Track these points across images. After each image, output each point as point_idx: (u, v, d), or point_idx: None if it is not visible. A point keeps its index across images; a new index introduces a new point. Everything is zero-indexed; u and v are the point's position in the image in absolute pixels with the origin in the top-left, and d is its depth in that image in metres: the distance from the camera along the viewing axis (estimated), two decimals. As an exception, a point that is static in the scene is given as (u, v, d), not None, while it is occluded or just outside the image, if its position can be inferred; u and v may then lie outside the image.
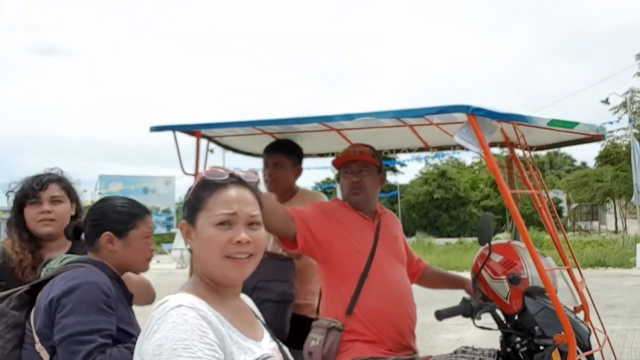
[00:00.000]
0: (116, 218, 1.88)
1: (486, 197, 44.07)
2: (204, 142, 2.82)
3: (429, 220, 44.27)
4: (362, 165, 2.39)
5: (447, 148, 2.98)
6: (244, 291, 2.54)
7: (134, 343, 1.55)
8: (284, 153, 2.83)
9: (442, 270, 2.84)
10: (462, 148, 2.20)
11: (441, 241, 29.27)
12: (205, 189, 1.26)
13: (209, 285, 1.25)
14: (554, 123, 2.00)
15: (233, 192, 1.26)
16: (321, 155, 3.23)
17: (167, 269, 20.39)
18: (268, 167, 2.84)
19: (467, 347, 2.21)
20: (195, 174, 2.93)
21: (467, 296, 2.22)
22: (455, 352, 2.20)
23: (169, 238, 35.61)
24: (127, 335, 1.72)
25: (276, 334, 2.58)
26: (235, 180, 1.29)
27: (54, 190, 2.23)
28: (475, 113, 1.86)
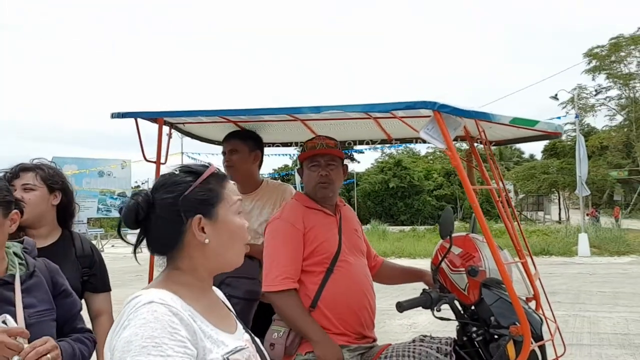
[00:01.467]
0: None
1: (439, 186, 45.10)
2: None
3: (383, 208, 44.95)
4: (330, 158, 2.40)
5: (410, 140, 3.03)
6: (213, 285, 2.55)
7: None
8: (239, 139, 2.83)
9: (399, 265, 2.87)
10: (423, 141, 2.25)
11: (395, 229, 29.83)
12: (218, 181, 1.25)
13: (188, 280, 1.22)
14: (516, 121, 2.07)
15: (232, 182, 1.31)
16: (285, 144, 3.23)
17: (122, 253, 19.95)
18: (225, 154, 2.83)
19: (425, 336, 2.28)
20: (157, 161, 2.88)
21: (427, 288, 2.28)
22: (414, 340, 2.26)
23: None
24: None
25: None
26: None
27: (27, 178, 2.19)
28: (440, 110, 1.90)
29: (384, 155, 46.55)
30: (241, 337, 1.28)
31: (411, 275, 2.74)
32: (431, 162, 51.12)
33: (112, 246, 27.16)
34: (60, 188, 2.29)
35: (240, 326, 1.33)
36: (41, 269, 1.77)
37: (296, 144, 3.15)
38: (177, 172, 1.24)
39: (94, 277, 2.31)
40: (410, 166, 45.20)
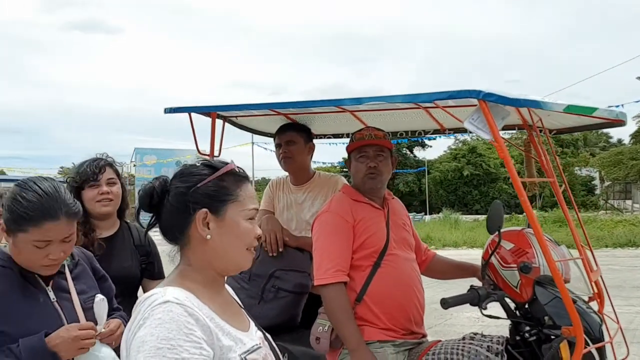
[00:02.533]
0: (7, 212, 1.63)
1: (517, 173, 43.24)
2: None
3: (457, 197, 43.86)
4: (379, 149, 2.35)
5: (464, 130, 2.91)
6: (262, 277, 2.57)
7: (13, 344, 1.51)
8: (294, 131, 2.84)
9: (451, 259, 2.77)
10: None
11: (469, 218, 28.99)
12: (234, 180, 1.24)
13: (202, 277, 1.22)
14: (571, 109, 1.93)
15: (252, 187, 1.27)
16: (335, 136, 3.21)
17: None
18: (281, 146, 2.84)
19: (475, 334, 2.20)
20: (211, 154, 2.95)
21: (476, 284, 2.19)
22: (464, 338, 2.19)
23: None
24: (5, 337, 1.54)
25: (289, 323, 2.60)
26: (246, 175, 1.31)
27: (110, 173, 2.38)
28: (486, 99, 1.81)
29: (457, 142, 45.28)
30: (254, 335, 1.28)
31: (463, 270, 2.65)
32: (509, 148, 49.06)
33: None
34: (121, 182, 2.46)
35: (252, 324, 1.33)
36: (82, 257, 1.87)
37: (347, 135, 3.12)
38: (197, 165, 1.25)
39: (150, 265, 2.46)
40: (485, 153, 43.65)
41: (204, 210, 1.20)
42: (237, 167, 1.27)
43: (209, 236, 1.20)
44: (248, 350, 1.18)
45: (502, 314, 2.22)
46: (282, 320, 2.57)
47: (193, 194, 1.20)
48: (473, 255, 7.67)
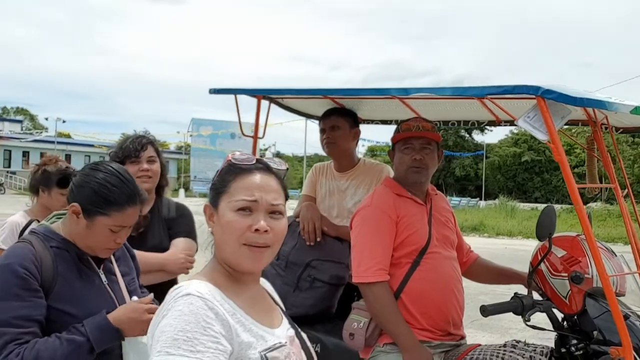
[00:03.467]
0: (91, 195, 1.61)
1: (582, 162, 41.36)
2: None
3: (515, 184, 42.53)
4: (425, 142, 2.23)
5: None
6: (298, 265, 2.53)
7: (78, 324, 1.52)
8: (339, 116, 2.76)
9: (494, 264, 2.60)
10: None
11: (527, 206, 28.03)
12: (230, 172, 1.22)
13: (227, 271, 1.21)
14: (639, 110, 1.75)
15: (257, 178, 1.21)
16: (383, 122, 3.09)
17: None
18: (325, 131, 2.77)
19: (518, 342, 2.08)
20: (255, 135, 2.93)
21: (520, 292, 2.06)
22: (505, 345, 2.08)
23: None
24: (65, 315, 1.55)
25: (323, 314, 2.55)
26: (262, 166, 1.24)
27: (151, 151, 2.43)
28: (545, 96, 1.66)
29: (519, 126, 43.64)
30: (284, 332, 1.25)
31: (506, 277, 2.48)
32: (574, 135, 46.94)
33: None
34: (161, 160, 2.49)
35: (285, 320, 1.31)
36: None
37: (395, 121, 3.00)
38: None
39: (175, 234, 2.46)
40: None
41: (207, 204, 1.24)
42: (238, 159, 1.24)
43: (210, 229, 1.23)
44: (269, 348, 1.16)
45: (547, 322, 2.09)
46: (317, 310, 2.54)
47: (210, 189, 1.26)
48: (527, 247, 7.37)
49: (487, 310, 1.94)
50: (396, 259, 2.20)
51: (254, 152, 2.93)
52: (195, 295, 1.10)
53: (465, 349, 2.17)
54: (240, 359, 1.11)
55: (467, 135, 45.39)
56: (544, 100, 1.67)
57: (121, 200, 1.61)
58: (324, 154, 2.90)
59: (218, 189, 1.23)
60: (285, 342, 1.22)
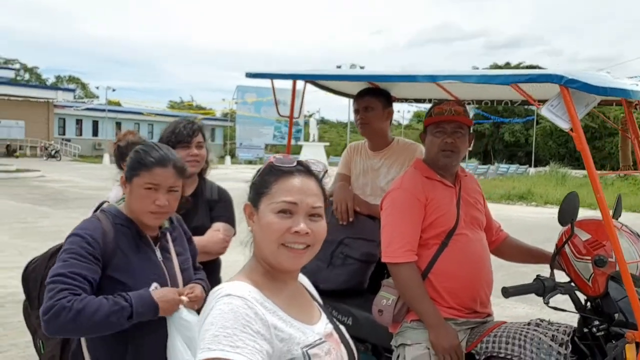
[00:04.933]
0: (129, 161, 1.86)
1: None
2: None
3: (567, 150, 41.11)
4: (457, 126, 2.27)
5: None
6: (331, 242, 2.64)
7: (125, 292, 1.70)
8: (373, 96, 2.80)
9: (524, 243, 2.65)
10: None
11: (578, 173, 27.11)
12: (271, 174, 1.25)
13: (266, 270, 1.25)
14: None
15: (297, 181, 1.23)
16: (417, 100, 3.12)
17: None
18: (359, 112, 2.83)
19: (542, 320, 2.14)
20: (290, 116, 3.03)
21: (543, 274, 2.11)
22: (529, 323, 2.15)
23: (298, 149, 37.27)
24: (119, 284, 1.74)
25: (356, 288, 2.65)
26: (302, 169, 1.26)
27: (200, 137, 2.57)
28: (568, 85, 1.68)
29: (573, 90, 41.82)
30: (322, 328, 1.28)
31: (535, 257, 2.53)
32: (602, 127, 44.72)
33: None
34: (206, 146, 2.64)
35: (324, 316, 1.33)
36: (178, 222, 2.05)
37: (429, 100, 3.03)
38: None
39: (216, 217, 2.60)
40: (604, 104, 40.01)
41: (248, 203, 1.27)
42: (279, 161, 1.26)
43: (250, 228, 1.27)
44: (310, 345, 1.19)
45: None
46: (349, 286, 2.65)
47: (250, 188, 1.29)
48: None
49: (508, 292, 2.01)
50: (424, 240, 2.28)
51: (289, 133, 3.04)
52: (235, 295, 1.15)
53: (491, 326, 2.25)
54: (284, 354, 1.14)
55: (517, 100, 43.92)
56: (567, 89, 1.69)
57: (148, 162, 1.81)
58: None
59: (259, 190, 1.25)
60: (324, 339, 1.25)
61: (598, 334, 2.00)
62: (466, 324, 2.28)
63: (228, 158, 40.09)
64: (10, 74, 45.43)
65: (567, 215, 1.98)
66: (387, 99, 2.84)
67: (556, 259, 2.11)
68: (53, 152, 35.81)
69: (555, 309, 2.06)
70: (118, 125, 46.45)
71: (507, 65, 54.82)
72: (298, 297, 1.30)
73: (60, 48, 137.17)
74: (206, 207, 2.59)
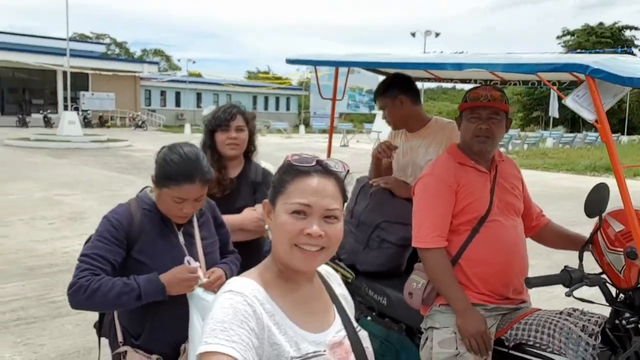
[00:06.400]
0: (158, 169, 1.95)
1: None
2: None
3: (665, 116, 37.76)
4: (493, 112, 2.23)
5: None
6: (368, 225, 2.69)
7: (144, 273, 1.85)
8: (381, 95, 2.86)
9: (566, 230, 2.57)
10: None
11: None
12: (288, 173, 1.23)
13: (279, 269, 1.24)
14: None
15: (314, 182, 1.20)
16: (463, 81, 3.06)
17: (364, 149, 21.17)
18: (382, 110, 2.90)
19: (575, 310, 2.12)
20: (333, 98, 3.09)
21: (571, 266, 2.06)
22: (561, 312, 2.13)
23: (371, 118, 36.98)
24: (143, 264, 1.90)
25: (393, 270, 2.69)
26: (321, 169, 1.22)
27: (239, 120, 2.67)
28: (593, 75, 1.62)
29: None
30: (330, 337, 1.24)
31: (577, 244, 2.45)
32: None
33: (357, 141, 29.02)
34: (250, 128, 2.74)
35: (338, 321, 1.29)
36: (207, 208, 2.17)
37: (474, 81, 2.95)
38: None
39: (259, 199, 2.68)
40: None
41: (266, 200, 1.27)
42: (297, 160, 1.24)
43: (266, 226, 1.26)
44: (301, 357, 1.16)
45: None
46: (385, 269, 2.71)
47: (271, 185, 1.28)
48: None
49: (531, 283, 2.00)
50: (455, 226, 2.29)
51: (332, 116, 3.09)
52: (236, 291, 1.16)
53: (523, 313, 2.25)
54: (272, 358, 1.14)
55: (609, 63, 40.69)
56: (593, 79, 1.63)
57: (178, 177, 1.90)
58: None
59: (276, 188, 1.24)
60: (324, 351, 1.20)
61: (628, 326, 1.96)
62: (497, 310, 2.29)
63: (302, 127, 40.55)
64: (102, 49, 48.23)
65: (594, 206, 1.92)
66: (398, 87, 2.83)
67: (584, 250, 2.06)
68: (140, 123, 37.88)
69: (582, 300, 2.03)
70: (198, 95, 48.24)
71: (600, 26, 50.84)
72: (310, 301, 1.27)
73: (146, 23, 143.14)
74: (250, 188, 2.69)
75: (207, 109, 3.07)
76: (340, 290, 1.39)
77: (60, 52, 27.36)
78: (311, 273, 1.28)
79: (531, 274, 2.27)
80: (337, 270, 2.86)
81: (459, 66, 1.98)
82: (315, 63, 2.70)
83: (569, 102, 1.69)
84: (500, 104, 2.24)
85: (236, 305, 1.12)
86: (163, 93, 47.84)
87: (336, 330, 1.27)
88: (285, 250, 1.19)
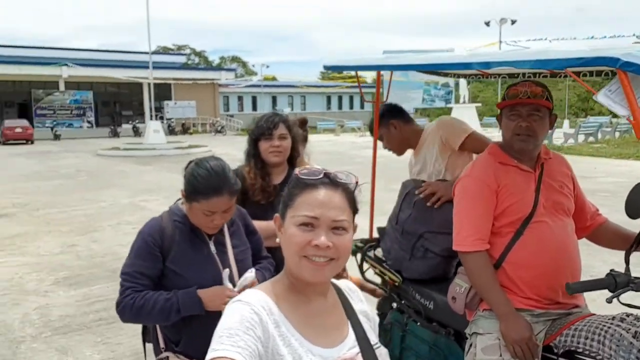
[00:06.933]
0: (187, 184, 2.02)
1: None
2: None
3: None
4: (534, 108, 2.13)
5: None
6: (412, 235, 2.65)
7: (179, 283, 1.95)
8: (380, 124, 2.99)
9: (624, 229, 2.39)
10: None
11: None
12: (296, 187, 1.25)
13: (291, 282, 1.25)
14: None
15: (321, 194, 1.22)
16: (511, 76, 2.92)
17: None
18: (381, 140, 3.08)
19: (628, 315, 1.98)
20: (377, 101, 3.08)
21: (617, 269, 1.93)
22: (614, 317, 2.00)
23: (448, 112, 36.10)
24: (177, 275, 2.01)
25: (440, 278, 2.63)
26: (328, 181, 1.24)
27: (282, 129, 2.76)
28: (624, 68, 1.51)
29: None
30: (340, 353, 1.24)
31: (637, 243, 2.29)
32: None
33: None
34: (293, 135, 2.82)
35: (351, 337, 1.28)
36: (237, 216, 2.25)
37: (523, 75, 2.82)
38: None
39: None
40: None
41: (277, 215, 1.29)
42: (304, 173, 1.26)
43: (277, 240, 1.28)
44: None
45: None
46: (431, 277, 2.65)
47: (282, 199, 1.30)
48: None
49: (571, 288, 1.89)
50: (497, 228, 2.21)
51: (376, 121, 3.07)
52: (243, 301, 1.19)
53: (574, 319, 2.13)
54: None
55: None
56: (625, 73, 1.52)
57: (206, 191, 1.97)
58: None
59: (285, 202, 1.26)
60: None
61: (685, 334, 1.81)
62: (545, 315, 2.19)
63: (376, 125, 40.25)
64: (182, 59, 50.65)
65: (636, 208, 1.79)
66: (388, 114, 3.00)
67: (630, 253, 1.92)
68: (219, 128, 39.39)
69: (629, 305, 1.89)
70: (274, 99, 49.36)
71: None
72: (321, 315, 1.27)
73: (224, 31, 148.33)
74: None
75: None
76: (361, 306, 1.38)
77: (145, 66, 29.12)
78: (323, 286, 1.28)
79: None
80: (384, 274, 2.89)
81: (486, 65, 1.92)
82: (352, 68, 2.70)
83: (601, 97, 1.59)
84: (541, 101, 2.14)
85: (243, 313, 1.15)
86: (240, 98, 49.46)
87: (348, 347, 1.26)
88: (295, 262, 1.21)
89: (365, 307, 1.39)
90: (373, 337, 1.33)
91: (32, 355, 4.20)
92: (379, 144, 3.10)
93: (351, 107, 53.29)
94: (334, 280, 1.36)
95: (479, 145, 2.69)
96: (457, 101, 35.34)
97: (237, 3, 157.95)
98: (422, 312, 2.68)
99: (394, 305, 2.94)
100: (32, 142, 30.56)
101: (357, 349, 1.26)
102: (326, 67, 2.79)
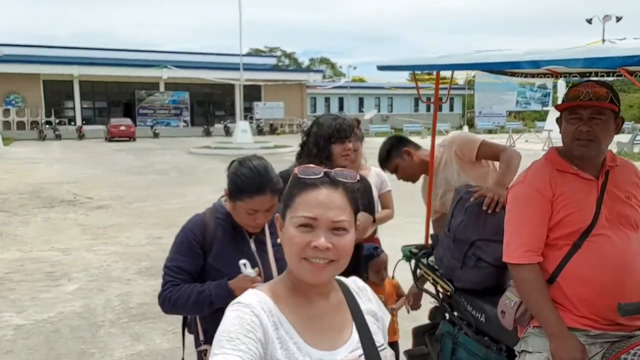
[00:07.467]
0: (230, 183, 2.05)
1: None
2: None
3: None
4: (596, 111, 1.96)
5: None
6: (464, 242, 2.55)
7: (216, 279, 1.98)
8: (394, 158, 3.08)
9: None
10: None
11: None
12: (296, 186, 1.22)
13: (292, 283, 1.23)
14: None
15: (321, 194, 1.19)
16: (582, 75, 2.69)
17: (532, 150, 19.74)
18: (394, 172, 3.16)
19: None
20: (435, 102, 2.98)
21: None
22: None
23: (544, 115, 34.24)
24: (217, 270, 2.05)
25: (494, 289, 2.51)
26: (328, 180, 1.21)
27: (354, 135, 2.90)
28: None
29: None
30: (339, 356, 1.21)
31: None
32: None
33: (526, 141, 26.98)
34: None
35: (354, 340, 1.25)
36: None
37: (595, 74, 2.59)
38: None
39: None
40: None
41: (278, 215, 1.27)
42: (303, 173, 1.22)
43: (279, 240, 1.26)
44: None
45: None
46: (483, 287, 2.52)
47: (283, 197, 1.28)
48: None
49: (623, 309, 1.71)
50: (552, 240, 2.05)
51: (434, 121, 2.98)
52: (242, 303, 1.17)
53: (635, 342, 1.93)
54: None
55: None
56: (686, 71, 1.35)
57: (249, 190, 2.00)
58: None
59: (285, 202, 1.24)
60: None
61: None
62: (603, 337, 2.00)
63: (465, 128, 39.12)
64: (273, 61, 52.10)
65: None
66: (398, 144, 3.08)
67: None
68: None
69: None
70: (361, 100, 49.39)
71: None
72: (323, 317, 1.24)
73: (314, 33, 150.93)
74: None
75: (369, 113, 3.41)
76: (369, 305, 1.33)
77: (238, 67, 30.29)
78: (324, 287, 1.25)
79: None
80: (437, 283, 2.78)
81: (535, 64, 1.78)
82: (406, 68, 2.64)
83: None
84: (604, 103, 1.95)
85: (243, 316, 1.14)
86: (327, 99, 50.07)
87: (350, 349, 1.22)
88: (295, 263, 1.20)
89: (374, 306, 1.34)
90: (380, 338, 1.29)
91: (108, 340, 4.50)
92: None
93: (440, 109, 52.12)
94: (342, 278, 1.32)
95: (492, 151, 2.88)
96: (554, 103, 33.45)
97: (336, 3, 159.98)
98: (472, 325, 2.56)
99: (447, 315, 2.83)
100: (134, 140, 32.73)
101: (359, 351, 1.22)
102: (379, 68, 2.74)
